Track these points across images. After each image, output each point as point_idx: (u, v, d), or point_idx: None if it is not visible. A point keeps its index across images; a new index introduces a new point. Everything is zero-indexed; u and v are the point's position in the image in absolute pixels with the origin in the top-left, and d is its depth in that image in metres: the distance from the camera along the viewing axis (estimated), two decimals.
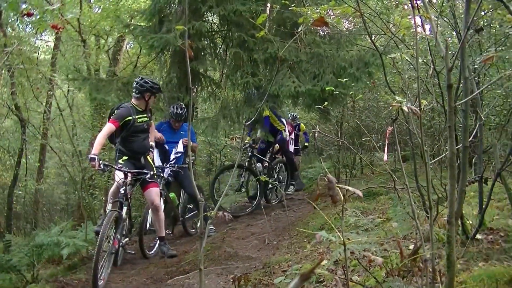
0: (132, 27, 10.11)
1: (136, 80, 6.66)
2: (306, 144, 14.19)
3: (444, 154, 3.45)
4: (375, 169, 9.49)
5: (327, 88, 7.49)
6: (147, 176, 6.40)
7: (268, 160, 10.53)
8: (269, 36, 7.70)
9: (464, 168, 2.97)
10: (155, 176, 6.68)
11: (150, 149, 6.94)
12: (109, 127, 6.25)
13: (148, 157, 6.84)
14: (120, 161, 6.48)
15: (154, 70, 14.93)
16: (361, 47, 9.23)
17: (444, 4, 4.19)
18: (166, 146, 8.09)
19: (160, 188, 7.20)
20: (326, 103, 7.30)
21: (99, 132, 6.44)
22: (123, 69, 15.85)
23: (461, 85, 3.47)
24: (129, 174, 6.28)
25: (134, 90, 6.61)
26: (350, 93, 7.75)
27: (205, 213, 3.07)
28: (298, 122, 13.36)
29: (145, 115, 6.64)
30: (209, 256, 6.34)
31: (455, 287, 2.59)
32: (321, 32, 9.54)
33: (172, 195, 7.93)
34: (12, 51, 9.76)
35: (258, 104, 9.07)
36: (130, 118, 6.41)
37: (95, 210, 10.99)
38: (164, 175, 7.44)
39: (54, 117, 15.78)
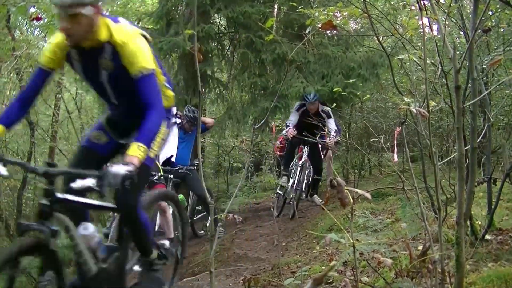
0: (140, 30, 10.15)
1: None
2: (338, 138, 10.81)
3: (452, 155, 3.45)
4: (383, 170, 9.45)
5: (335, 89, 7.50)
6: (154, 178, 6.43)
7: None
8: (277, 38, 7.72)
9: (473, 169, 2.97)
10: (162, 178, 6.70)
11: None
12: None
13: None
14: None
15: None
16: (369, 48, 9.23)
17: (451, 5, 4.18)
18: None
19: (169, 189, 7.22)
20: (335, 104, 7.31)
21: None
22: None
23: (469, 86, 3.47)
24: None
25: None
26: (358, 93, 7.78)
27: (215, 216, 3.09)
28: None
29: None
30: (218, 257, 6.36)
31: None
32: (328, 34, 9.55)
33: (180, 196, 7.93)
34: (21, 55, 9.82)
35: (266, 105, 9.09)
36: None
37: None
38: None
39: (63, 119, 15.84)
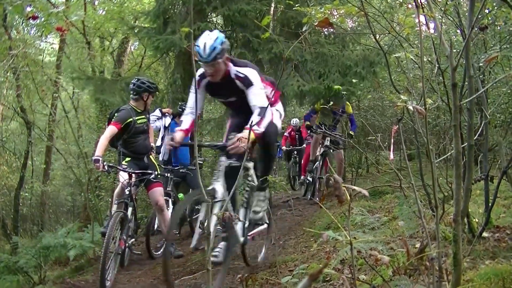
0: (137, 28, 10.16)
1: (132, 81, 6.69)
2: (351, 132, 9.81)
3: (449, 153, 3.46)
4: (380, 168, 9.45)
5: (335, 87, 7.48)
6: (151, 177, 6.44)
7: None
8: (273, 37, 7.71)
9: (470, 167, 2.97)
10: (159, 176, 6.72)
11: (152, 150, 6.99)
12: (111, 129, 6.32)
13: (151, 156, 6.89)
14: (123, 162, 6.53)
15: (159, 71, 14.97)
16: (366, 46, 9.23)
17: (448, 3, 4.19)
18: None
19: (169, 188, 7.24)
20: (331, 102, 7.29)
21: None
22: (128, 70, 15.90)
23: (466, 83, 3.47)
24: (133, 175, 6.32)
25: (131, 92, 6.64)
26: (358, 93, 7.76)
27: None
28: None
29: (143, 116, 6.70)
30: None
31: (461, 285, 2.60)
32: (325, 32, 9.55)
33: (180, 195, 7.96)
34: (17, 54, 9.81)
35: None
36: (130, 120, 6.47)
37: (101, 211, 11.02)
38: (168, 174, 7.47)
39: (60, 119, 15.85)
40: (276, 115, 5.19)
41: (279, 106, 5.42)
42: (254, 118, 4.50)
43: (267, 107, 4.64)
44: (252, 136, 4.25)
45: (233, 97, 5.06)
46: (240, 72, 4.81)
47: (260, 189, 5.39)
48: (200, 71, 4.96)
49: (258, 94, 4.77)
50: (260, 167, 5.35)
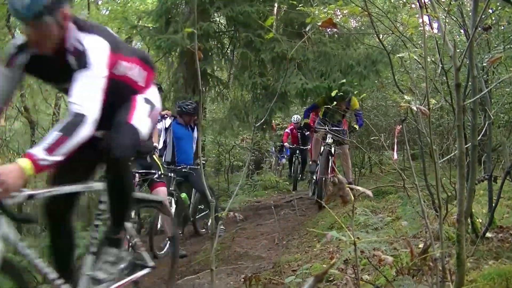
0: (140, 28, 10.17)
1: None
2: (355, 125, 9.12)
3: (453, 153, 3.46)
4: (384, 168, 9.42)
5: (340, 82, 7.44)
6: (154, 176, 6.44)
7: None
8: (276, 36, 7.71)
9: (473, 167, 2.97)
10: (163, 176, 6.71)
11: (156, 150, 6.97)
12: None
13: (154, 156, 6.87)
14: None
15: (162, 70, 14.98)
16: (369, 46, 9.21)
17: (452, 3, 4.18)
18: None
19: (172, 188, 7.23)
20: (334, 102, 7.26)
21: None
22: None
23: (470, 84, 3.47)
24: (136, 174, 6.32)
25: None
26: (362, 95, 7.71)
27: (216, 214, 3.07)
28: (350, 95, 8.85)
29: None
30: (219, 256, 6.36)
31: (465, 285, 2.60)
32: (328, 31, 9.54)
33: (183, 195, 7.94)
34: None
35: (267, 104, 9.08)
36: None
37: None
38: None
39: (63, 118, 15.83)
40: (144, 110, 3.40)
41: (151, 92, 3.60)
42: (51, 136, 2.50)
43: (83, 116, 2.58)
44: (29, 172, 2.37)
45: (69, 82, 2.79)
46: (79, 42, 2.80)
47: (111, 242, 3.45)
48: (20, 40, 2.96)
49: (87, 86, 2.72)
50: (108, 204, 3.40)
